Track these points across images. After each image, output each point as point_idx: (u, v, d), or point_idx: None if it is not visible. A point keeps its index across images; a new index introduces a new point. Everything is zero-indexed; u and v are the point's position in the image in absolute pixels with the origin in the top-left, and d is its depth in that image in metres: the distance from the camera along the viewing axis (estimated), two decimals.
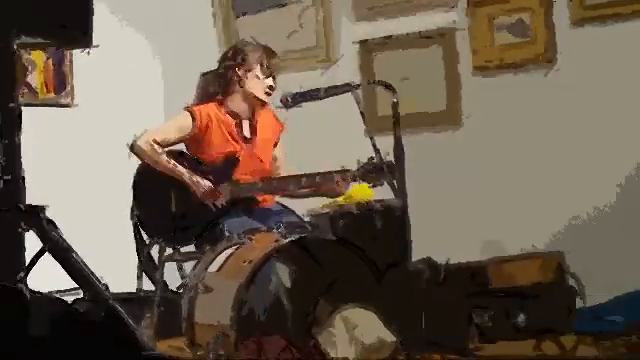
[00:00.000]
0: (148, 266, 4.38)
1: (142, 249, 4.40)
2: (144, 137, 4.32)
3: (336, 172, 4.16)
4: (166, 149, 4.36)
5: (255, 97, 4.43)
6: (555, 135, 5.06)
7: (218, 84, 4.50)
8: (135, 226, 4.42)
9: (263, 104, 4.46)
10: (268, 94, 4.44)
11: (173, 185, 4.31)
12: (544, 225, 5.03)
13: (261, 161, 4.45)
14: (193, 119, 4.38)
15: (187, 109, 4.42)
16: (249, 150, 4.44)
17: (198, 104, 4.47)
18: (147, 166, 4.35)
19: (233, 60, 4.49)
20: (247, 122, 4.50)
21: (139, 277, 4.40)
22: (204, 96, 4.52)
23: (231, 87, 4.47)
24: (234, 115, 4.46)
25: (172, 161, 4.32)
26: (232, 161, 4.36)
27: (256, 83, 4.43)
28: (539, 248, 4.85)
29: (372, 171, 4.02)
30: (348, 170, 4.13)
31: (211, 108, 4.44)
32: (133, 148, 4.32)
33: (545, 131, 5.09)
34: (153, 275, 4.38)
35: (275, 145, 4.55)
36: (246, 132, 4.48)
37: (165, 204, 4.32)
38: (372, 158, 3.98)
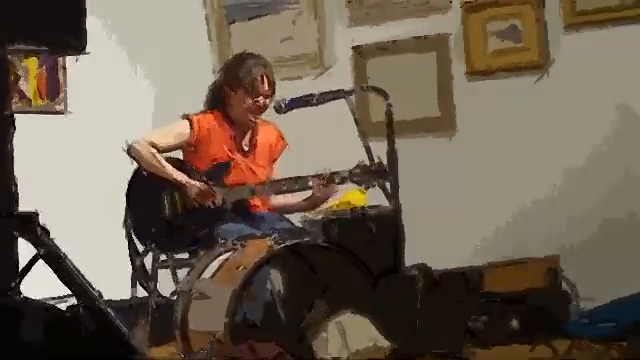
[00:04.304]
0: (141, 275, 4.38)
1: (135, 258, 4.39)
2: (141, 140, 4.33)
3: (327, 174, 4.18)
4: (163, 155, 4.36)
5: (243, 115, 4.43)
6: (548, 140, 5.07)
7: (215, 95, 4.50)
8: (128, 234, 4.41)
9: (255, 120, 4.45)
10: (255, 112, 4.41)
11: (167, 191, 4.32)
12: (538, 230, 5.03)
13: (255, 175, 4.45)
14: (191, 128, 4.39)
15: (186, 117, 4.42)
16: (244, 163, 4.44)
17: (203, 112, 4.47)
18: (141, 173, 4.35)
19: (223, 76, 4.49)
20: (247, 135, 4.50)
21: (133, 285, 4.39)
22: (209, 105, 4.52)
23: (224, 102, 4.47)
24: (233, 127, 4.46)
25: (167, 164, 4.33)
26: (223, 167, 4.37)
27: (242, 103, 4.40)
28: (533, 253, 4.85)
29: (362, 173, 4.04)
30: (338, 172, 4.15)
31: (211, 117, 4.44)
32: (129, 150, 4.32)
33: (538, 136, 5.09)
34: (146, 284, 4.38)
35: (274, 161, 4.56)
36: (245, 145, 4.49)
37: (159, 210, 4.32)
38: (362, 161, 4.00)
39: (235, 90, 4.41)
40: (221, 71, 4.59)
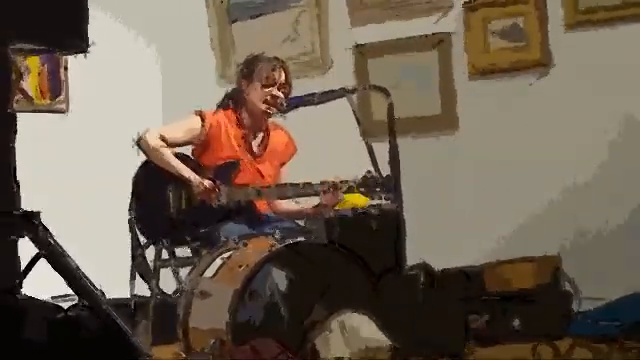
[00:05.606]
0: (141, 267, 4.37)
1: (136, 249, 4.39)
2: (152, 132, 4.33)
3: (333, 182, 4.18)
4: (172, 149, 4.36)
5: (257, 108, 4.43)
6: (550, 139, 5.07)
7: (232, 95, 4.51)
8: (132, 226, 4.40)
9: (266, 115, 4.45)
10: (269, 103, 4.42)
11: (173, 185, 4.32)
12: (540, 229, 5.04)
13: (262, 177, 4.45)
14: (202, 124, 4.39)
15: (198, 113, 4.42)
16: (253, 164, 4.45)
17: (217, 110, 4.48)
18: (149, 165, 4.35)
19: (241, 72, 4.51)
20: (259, 137, 4.51)
21: (132, 277, 4.38)
22: (223, 104, 4.53)
23: (241, 98, 4.48)
24: (244, 126, 4.46)
25: (174, 158, 4.33)
26: (232, 166, 4.37)
27: (256, 94, 4.42)
28: (535, 252, 4.86)
29: (368, 185, 4.05)
30: (346, 181, 4.15)
31: (223, 116, 4.45)
32: (140, 142, 4.32)
33: (540, 135, 5.10)
34: (146, 277, 4.37)
35: (282, 165, 4.56)
36: (255, 146, 4.49)
37: (163, 204, 4.32)
38: (369, 172, 4.01)
39: (251, 82, 4.43)
40: (237, 72, 4.60)
